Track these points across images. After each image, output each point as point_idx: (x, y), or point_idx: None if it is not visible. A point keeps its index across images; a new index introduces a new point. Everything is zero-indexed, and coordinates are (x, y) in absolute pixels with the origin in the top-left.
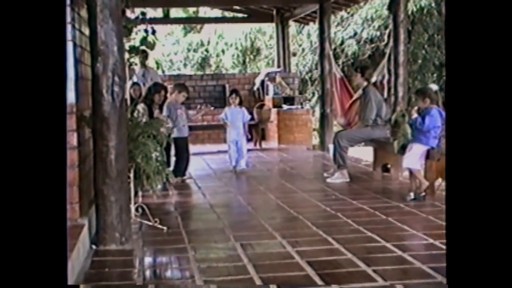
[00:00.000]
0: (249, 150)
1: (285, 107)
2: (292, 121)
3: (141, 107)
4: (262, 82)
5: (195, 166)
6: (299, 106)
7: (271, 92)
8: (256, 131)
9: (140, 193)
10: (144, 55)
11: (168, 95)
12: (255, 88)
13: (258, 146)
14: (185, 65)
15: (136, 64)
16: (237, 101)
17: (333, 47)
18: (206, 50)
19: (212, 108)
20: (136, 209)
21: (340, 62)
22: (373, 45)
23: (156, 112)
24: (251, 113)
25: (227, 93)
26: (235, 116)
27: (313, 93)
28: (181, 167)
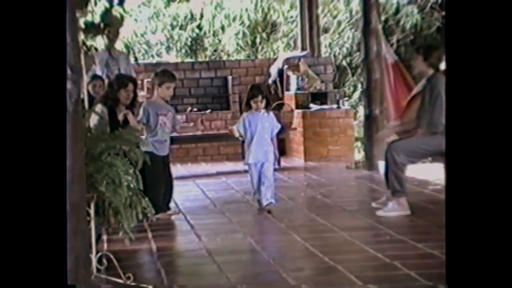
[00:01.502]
0: None
1: (313, 107)
2: (324, 127)
3: (98, 108)
4: (280, 72)
5: (184, 195)
6: (334, 106)
7: (293, 86)
8: (272, 143)
9: (104, 237)
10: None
11: (139, 91)
12: (270, 81)
13: (277, 165)
14: (168, 49)
15: (96, 49)
16: (263, 104)
17: (383, 18)
18: (199, 27)
19: (208, 111)
20: (99, 261)
21: (394, 39)
22: (444, 13)
23: (120, 115)
24: None
25: (230, 89)
26: (262, 126)
27: (355, 86)
28: (155, 198)
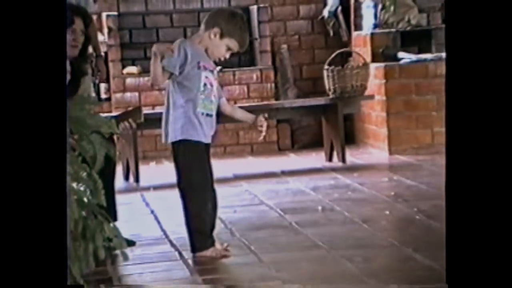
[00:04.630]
0: (314, 170)
1: (406, 57)
2: (425, 93)
3: None
4: None
5: (177, 215)
6: (444, 55)
7: (367, 21)
8: (330, 124)
9: None
10: None
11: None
12: (325, 12)
13: (338, 161)
14: None
15: None
16: None
17: None
18: None
19: (217, 69)
20: None
21: None
22: None
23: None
24: (313, 78)
25: (255, 30)
26: None
27: None
28: (201, 223)
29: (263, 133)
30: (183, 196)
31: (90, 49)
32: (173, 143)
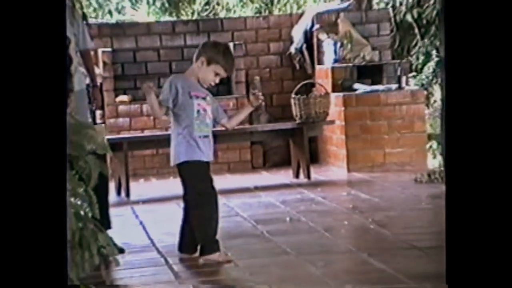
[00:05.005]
0: (283, 185)
1: (361, 88)
2: (378, 118)
3: None
4: (309, 35)
5: (164, 226)
6: (394, 86)
7: (328, 57)
8: (297, 146)
9: None
10: None
11: (89, 65)
12: (292, 49)
13: (304, 178)
14: (134, 1)
15: None
16: None
17: None
18: None
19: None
20: None
21: None
22: None
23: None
24: (282, 106)
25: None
26: None
27: (427, 55)
28: (209, 230)
29: (261, 99)
30: (190, 207)
31: (87, 80)
32: (177, 165)
